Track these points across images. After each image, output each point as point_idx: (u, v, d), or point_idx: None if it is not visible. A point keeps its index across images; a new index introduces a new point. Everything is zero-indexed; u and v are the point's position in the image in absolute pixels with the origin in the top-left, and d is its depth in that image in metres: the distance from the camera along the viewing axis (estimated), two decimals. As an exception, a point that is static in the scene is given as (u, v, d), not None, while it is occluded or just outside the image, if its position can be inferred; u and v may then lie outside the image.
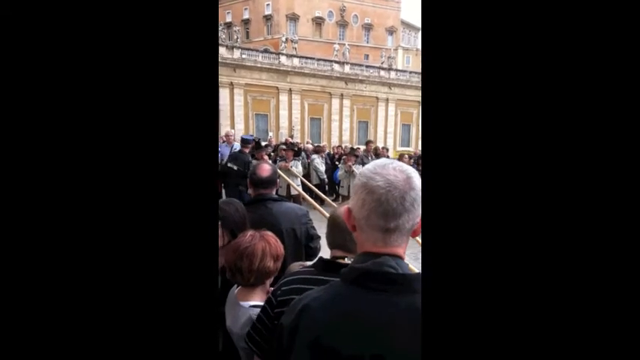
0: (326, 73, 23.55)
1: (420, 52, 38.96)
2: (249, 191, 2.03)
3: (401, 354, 0.64)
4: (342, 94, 24.33)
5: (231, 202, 1.61)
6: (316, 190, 4.19)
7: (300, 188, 4.83)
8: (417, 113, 27.01)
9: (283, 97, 22.66)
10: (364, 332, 0.67)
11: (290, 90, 22.77)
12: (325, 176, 8.37)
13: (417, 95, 26.17)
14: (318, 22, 37.39)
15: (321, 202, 4.36)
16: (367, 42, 39.68)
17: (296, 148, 7.30)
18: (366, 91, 25.03)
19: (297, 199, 5.30)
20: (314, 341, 0.70)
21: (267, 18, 36.56)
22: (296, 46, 23.17)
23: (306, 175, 7.73)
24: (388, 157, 8.41)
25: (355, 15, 38.89)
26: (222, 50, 19.51)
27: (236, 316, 1.28)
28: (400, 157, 6.70)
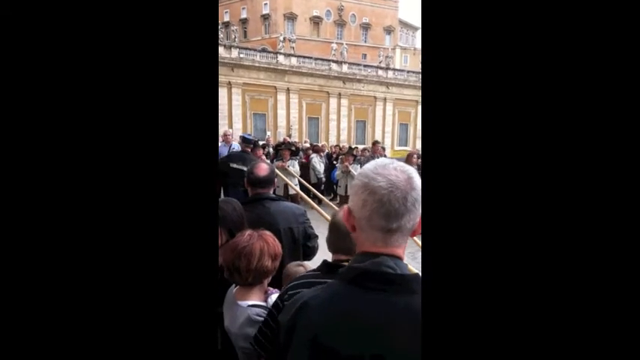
0: (324, 73, 23.52)
1: (417, 52, 39.03)
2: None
3: (400, 354, 0.64)
4: (339, 94, 24.31)
5: (228, 202, 1.61)
6: (314, 189, 4.19)
7: (297, 188, 4.82)
8: (414, 112, 27.02)
9: (281, 97, 22.62)
10: (363, 332, 0.67)
11: (288, 89, 22.73)
12: (323, 176, 8.37)
13: (414, 95, 26.20)
14: (316, 21, 37.32)
15: (319, 201, 4.36)
16: (365, 41, 39.63)
17: (293, 148, 7.28)
18: (363, 90, 25.01)
19: (294, 198, 5.30)
20: (312, 340, 0.69)
21: (265, 17, 36.47)
22: (294, 45, 23.12)
23: (304, 174, 7.72)
24: (385, 156, 8.37)
25: (353, 14, 38.83)
26: (220, 50, 19.45)
27: (234, 316, 1.28)
28: (408, 157, 6.59)
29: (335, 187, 7.65)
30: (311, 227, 2.02)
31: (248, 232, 1.36)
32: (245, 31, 37.17)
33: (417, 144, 24.36)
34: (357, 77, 24.62)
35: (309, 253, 1.99)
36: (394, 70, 27.03)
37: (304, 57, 23.82)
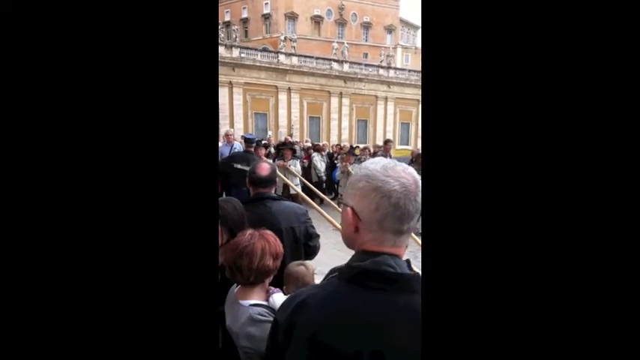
0: (325, 72, 23.52)
1: (418, 51, 38.94)
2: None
3: (400, 353, 0.64)
4: (341, 93, 24.31)
5: (229, 201, 1.62)
6: (315, 189, 4.19)
7: (298, 188, 4.82)
8: (416, 112, 27.01)
9: (282, 96, 22.63)
10: (362, 330, 0.67)
11: (289, 89, 22.74)
12: (323, 174, 8.36)
13: (415, 94, 26.17)
14: (317, 20, 37.31)
15: (321, 200, 4.36)
16: (366, 40, 39.62)
17: (295, 147, 7.28)
18: (365, 89, 25.00)
19: (295, 198, 5.30)
20: (311, 338, 0.69)
21: (266, 17, 36.47)
22: (295, 44, 23.13)
23: (305, 174, 7.72)
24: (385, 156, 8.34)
25: (354, 13, 38.81)
26: (220, 49, 19.47)
27: (236, 315, 1.28)
28: (416, 158, 6.55)
29: (336, 186, 7.66)
30: (312, 226, 2.02)
31: (249, 231, 1.36)
32: (246, 31, 37.19)
33: (418, 143, 24.31)
34: (359, 76, 24.62)
35: (311, 252, 2.00)
36: (395, 69, 27.03)
37: (305, 56, 23.83)
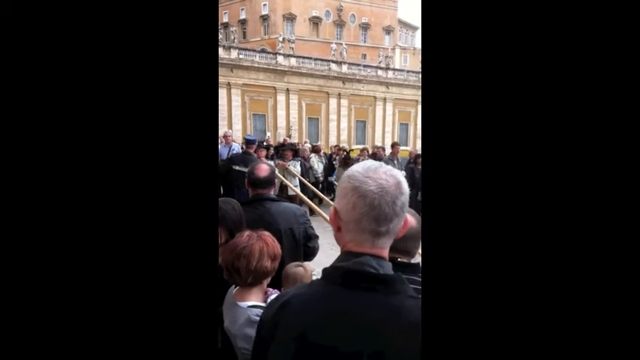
0: (323, 73, 23.54)
1: (417, 52, 39.07)
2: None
3: (381, 351, 0.65)
4: (339, 94, 24.33)
5: (227, 201, 1.61)
6: (315, 190, 4.19)
7: (297, 189, 4.82)
8: (414, 112, 27.04)
9: (281, 97, 22.64)
10: (349, 329, 0.68)
11: (287, 90, 22.75)
12: (320, 175, 8.34)
13: (414, 94, 26.22)
14: (315, 21, 37.36)
15: (320, 201, 4.36)
16: (364, 41, 39.67)
17: (295, 148, 7.29)
18: (363, 90, 25.03)
19: (293, 199, 5.30)
20: (298, 337, 0.71)
21: (264, 18, 36.51)
22: (293, 45, 23.14)
23: (305, 175, 7.70)
24: (384, 156, 8.34)
25: (352, 14, 38.87)
26: (219, 50, 19.47)
27: (234, 317, 1.28)
28: (415, 158, 6.58)
29: (335, 187, 7.63)
30: (311, 227, 2.02)
31: (247, 232, 1.36)
32: (244, 32, 37.21)
33: (417, 144, 24.37)
34: (357, 77, 24.64)
35: (310, 253, 2.00)
36: (394, 70, 27.06)
37: (304, 57, 23.85)
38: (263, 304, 1.31)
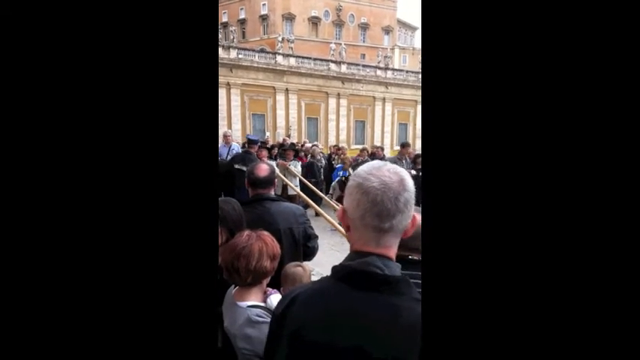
0: (323, 73, 23.52)
1: (416, 52, 39.05)
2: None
3: (377, 351, 0.66)
4: (338, 94, 24.31)
5: (228, 201, 1.62)
6: (316, 190, 4.18)
7: (298, 188, 4.82)
8: (414, 112, 27.04)
9: (280, 97, 22.61)
10: (344, 328, 0.69)
11: (287, 90, 22.72)
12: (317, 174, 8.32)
13: (413, 94, 26.21)
14: (315, 21, 37.33)
15: (319, 200, 4.35)
16: (364, 41, 39.65)
17: (296, 148, 7.31)
18: (362, 90, 25.01)
19: (293, 199, 5.30)
20: (293, 332, 0.72)
21: (264, 18, 36.47)
22: (292, 45, 23.12)
23: (305, 175, 7.70)
24: (384, 156, 8.34)
25: (351, 14, 38.84)
26: (218, 50, 19.42)
27: (233, 317, 1.28)
28: (414, 158, 6.62)
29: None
30: (311, 227, 2.02)
31: (246, 232, 1.36)
32: (243, 32, 37.17)
33: (416, 144, 24.34)
34: (356, 77, 24.62)
35: (309, 253, 2.00)
36: (393, 70, 27.04)
37: (303, 57, 23.82)
38: (262, 304, 1.31)
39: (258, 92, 22.05)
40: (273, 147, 8.64)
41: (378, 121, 26.08)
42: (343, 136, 24.35)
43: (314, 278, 1.54)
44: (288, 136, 17.69)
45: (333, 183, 6.96)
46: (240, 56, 21.20)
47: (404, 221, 0.72)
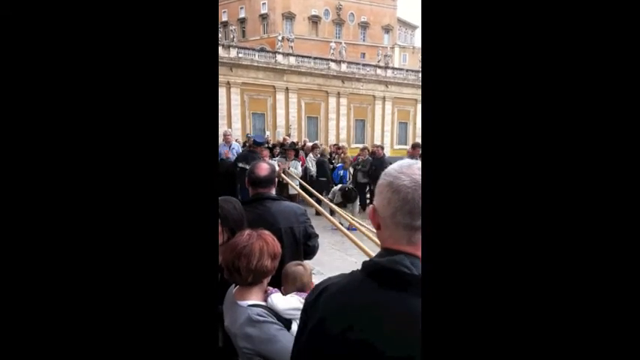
0: (322, 72, 23.52)
1: (416, 50, 39.01)
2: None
3: (389, 348, 0.66)
4: (338, 93, 24.31)
5: (229, 200, 1.62)
6: (314, 191, 4.18)
7: (298, 189, 4.83)
8: (413, 111, 27.04)
9: (280, 96, 22.61)
10: (361, 322, 0.69)
11: (287, 89, 22.73)
12: (314, 174, 8.32)
13: (413, 93, 26.21)
14: (315, 20, 37.31)
15: (319, 201, 4.34)
16: (364, 40, 39.62)
17: (297, 147, 7.33)
18: (362, 89, 25.01)
19: (293, 199, 5.29)
20: (318, 321, 0.74)
21: (264, 17, 36.44)
22: (292, 44, 23.11)
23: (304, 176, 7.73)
24: (384, 155, 8.34)
25: (351, 13, 38.82)
26: (218, 49, 19.42)
27: (234, 316, 1.28)
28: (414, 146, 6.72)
29: (334, 186, 7.62)
30: (311, 226, 2.02)
31: (247, 231, 1.36)
32: (243, 31, 37.14)
33: (416, 143, 24.32)
34: (356, 76, 24.62)
35: (310, 252, 2.00)
36: (393, 68, 27.04)
37: (303, 56, 23.82)
38: (263, 303, 1.31)
39: (258, 91, 22.05)
40: (274, 146, 8.67)
41: (378, 120, 26.08)
42: (343, 135, 24.35)
43: (314, 277, 1.54)
44: (289, 135, 17.69)
45: (335, 188, 6.97)
46: (240, 55, 21.20)
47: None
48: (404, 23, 47.17)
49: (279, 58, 22.28)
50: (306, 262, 1.70)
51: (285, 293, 1.42)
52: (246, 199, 1.93)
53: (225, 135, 6.87)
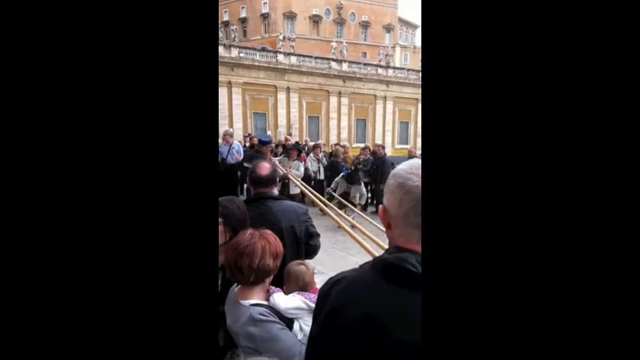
0: (324, 71, 23.53)
1: (417, 50, 38.99)
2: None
3: (396, 347, 0.66)
4: (340, 92, 24.32)
5: (232, 200, 1.62)
6: (313, 191, 4.18)
7: (306, 190, 4.84)
8: (414, 111, 27.03)
9: (281, 96, 22.63)
10: (365, 319, 0.70)
11: (288, 88, 22.74)
12: (313, 173, 8.35)
13: (414, 93, 26.20)
14: (316, 20, 37.30)
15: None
16: (365, 40, 39.61)
17: (299, 147, 7.36)
18: (363, 88, 25.02)
19: (294, 198, 5.30)
20: (328, 312, 0.77)
21: (265, 16, 36.45)
22: (293, 44, 23.14)
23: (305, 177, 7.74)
24: (385, 154, 8.35)
25: (352, 13, 38.80)
26: (219, 49, 19.46)
27: (236, 315, 1.29)
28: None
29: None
30: (313, 226, 2.02)
31: (249, 231, 1.36)
32: (245, 31, 37.15)
33: (417, 142, 24.36)
34: (357, 76, 24.63)
35: (311, 251, 2.00)
36: (394, 68, 27.05)
37: (304, 56, 23.83)
38: (265, 303, 1.31)
39: (260, 91, 22.07)
40: (277, 146, 8.69)
41: (379, 120, 26.08)
42: (344, 135, 24.35)
43: (316, 276, 1.54)
44: (290, 134, 17.70)
45: (337, 178, 7.21)
46: (241, 55, 21.23)
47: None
48: (405, 23, 47.16)
49: (281, 57, 22.29)
50: (307, 261, 1.70)
51: (287, 292, 1.42)
52: (247, 199, 1.94)
53: (224, 135, 6.87)
